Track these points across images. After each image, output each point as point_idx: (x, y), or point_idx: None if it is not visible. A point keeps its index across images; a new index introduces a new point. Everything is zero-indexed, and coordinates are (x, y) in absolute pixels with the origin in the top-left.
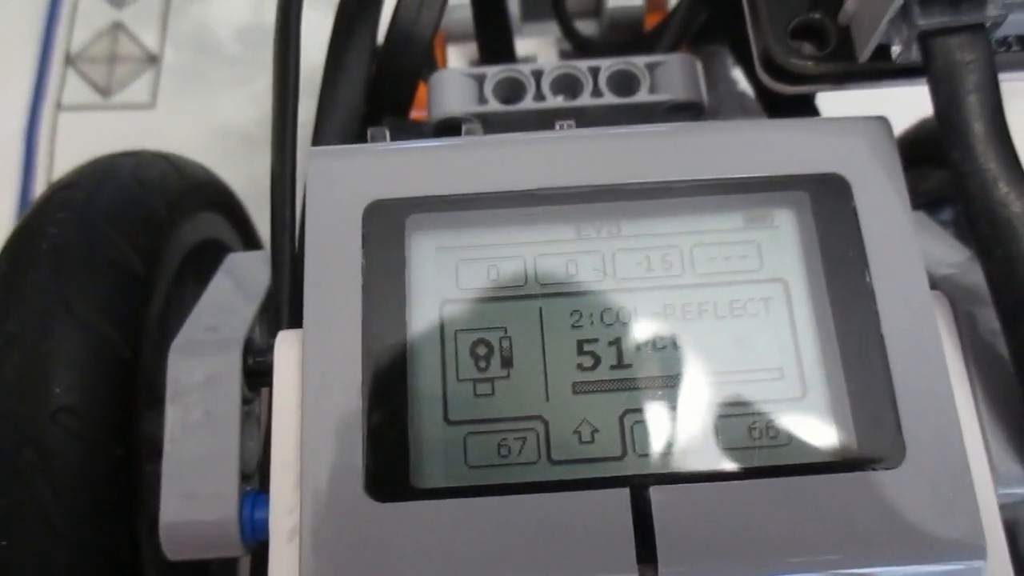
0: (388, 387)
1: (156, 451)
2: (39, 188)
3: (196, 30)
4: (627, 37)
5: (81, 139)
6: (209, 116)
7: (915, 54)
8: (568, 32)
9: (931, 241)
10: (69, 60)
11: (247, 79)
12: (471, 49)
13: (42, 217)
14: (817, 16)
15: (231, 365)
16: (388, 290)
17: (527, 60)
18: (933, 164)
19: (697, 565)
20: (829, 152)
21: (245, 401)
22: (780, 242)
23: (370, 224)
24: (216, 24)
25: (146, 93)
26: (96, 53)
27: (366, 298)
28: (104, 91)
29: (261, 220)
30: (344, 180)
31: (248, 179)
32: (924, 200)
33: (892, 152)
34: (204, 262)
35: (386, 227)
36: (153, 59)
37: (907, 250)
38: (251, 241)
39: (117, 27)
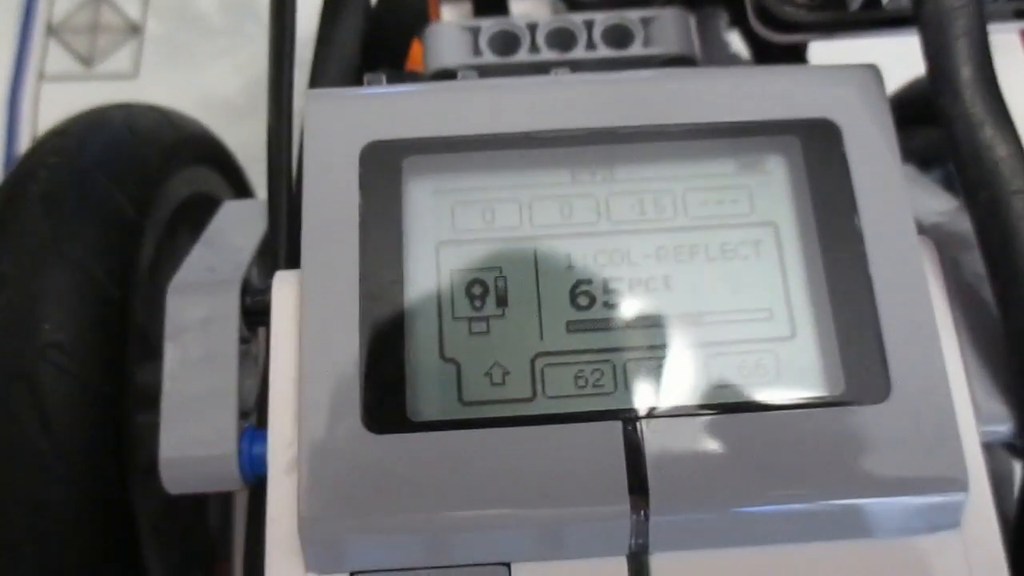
0: (385, 325)
1: (147, 401)
2: None
3: (179, 0)
4: None
5: (64, 109)
6: (192, 86)
7: (905, 1)
8: None
9: (919, 191)
10: (51, 30)
11: (230, 49)
12: (466, 9)
13: (34, 162)
14: None
15: (230, 304)
16: (385, 230)
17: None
18: (923, 124)
19: (686, 496)
20: (820, 98)
21: (243, 340)
22: (771, 186)
23: (367, 165)
24: None
25: (129, 63)
26: (78, 23)
27: (363, 238)
28: (87, 61)
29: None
30: (341, 121)
31: (233, 146)
32: (914, 160)
33: (882, 98)
34: (197, 215)
35: (383, 169)
36: (136, 29)
37: (895, 194)
38: (245, 197)
39: None
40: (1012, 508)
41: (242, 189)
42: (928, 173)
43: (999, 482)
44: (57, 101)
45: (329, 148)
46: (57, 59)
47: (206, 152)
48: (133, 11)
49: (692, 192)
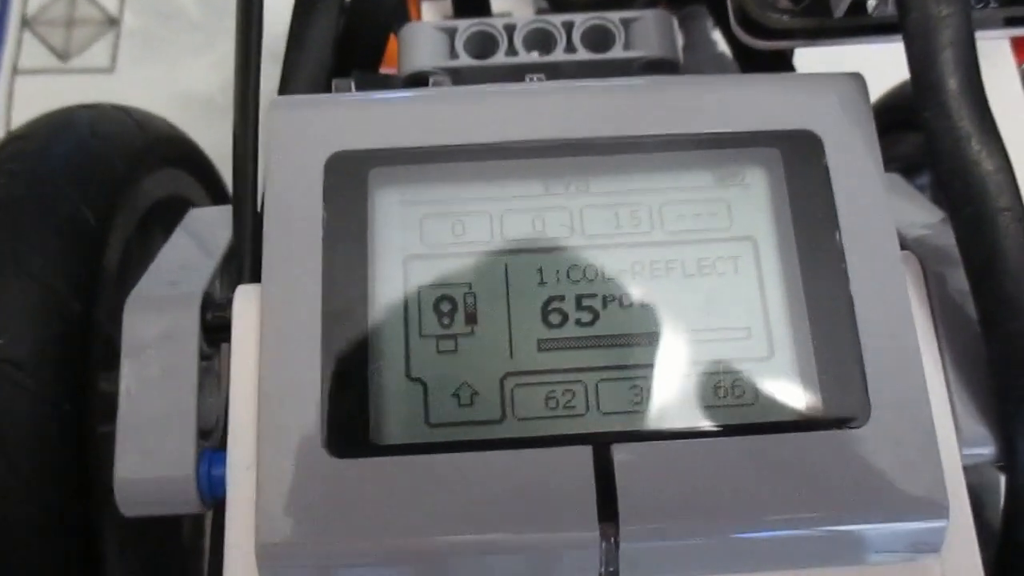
0: (348, 342)
1: (113, 413)
2: None
3: None
4: None
5: (39, 104)
6: (170, 81)
7: (891, 8)
8: None
9: (904, 202)
10: (26, 22)
11: (209, 44)
12: (446, 7)
13: None
14: None
15: (189, 319)
16: (350, 244)
17: (502, 16)
18: (910, 128)
19: (659, 523)
20: (802, 108)
21: (204, 357)
22: (750, 200)
23: (332, 177)
24: None
25: (105, 57)
26: (54, 15)
27: (327, 252)
28: (62, 55)
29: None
30: (305, 131)
31: (211, 145)
32: (900, 165)
33: (866, 109)
34: (170, 219)
35: (348, 180)
36: (112, 22)
37: (878, 209)
38: (221, 200)
39: None
40: (995, 518)
41: (217, 191)
42: (915, 178)
43: (983, 493)
44: (32, 95)
45: (292, 158)
46: (32, 52)
47: (177, 154)
48: (110, 4)
49: (669, 206)
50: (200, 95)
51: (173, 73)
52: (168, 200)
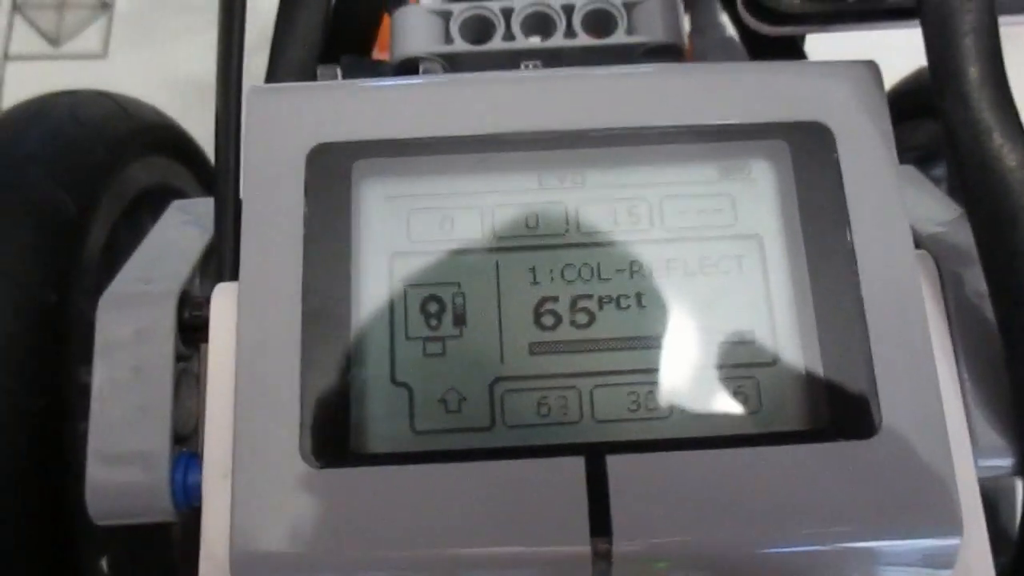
0: (329, 344)
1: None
2: None
3: None
4: None
5: (30, 90)
6: (164, 66)
7: None
8: None
9: (920, 197)
10: (16, 7)
11: (204, 27)
12: None
13: None
14: None
15: (164, 318)
16: (332, 241)
17: None
18: (926, 116)
19: (655, 540)
20: (812, 98)
21: (182, 358)
22: (756, 195)
23: (314, 169)
24: None
25: (98, 41)
26: None
27: (308, 248)
28: (54, 40)
29: None
30: (286, 121)
31: (207, 131)
32: (917, 154)
33: (880, 100)
34: (160, 208)
35: (331, 173)
36: (105, 6)
37: (892, 206)
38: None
39: None
40: (1010, 525)
41: (210, 181)
42: (931, 169)
43: (998, 495)
44: (23, 81)
45: (272, 150)
46: (23, 38)
47: (164, 141)
48: None
49: (670, 200)
50: (196, 80)
51: (168, 57)
52: (157, 189)
